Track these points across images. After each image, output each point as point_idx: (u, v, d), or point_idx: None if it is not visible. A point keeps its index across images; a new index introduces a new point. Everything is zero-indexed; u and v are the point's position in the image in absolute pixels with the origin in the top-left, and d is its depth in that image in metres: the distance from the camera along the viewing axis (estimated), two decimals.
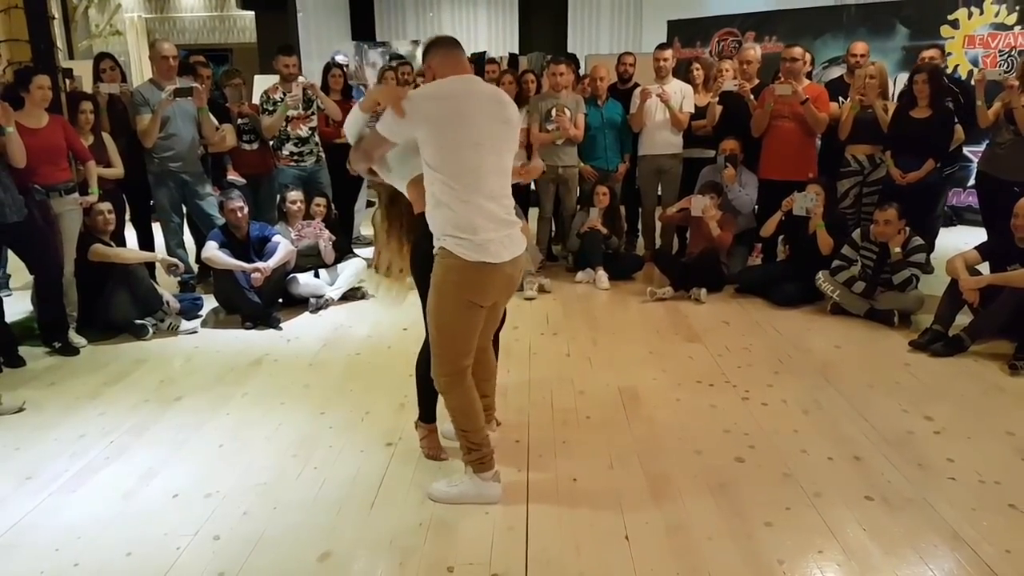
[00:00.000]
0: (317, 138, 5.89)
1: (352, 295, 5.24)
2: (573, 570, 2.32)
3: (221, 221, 4.98)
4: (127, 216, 5.25)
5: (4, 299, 4.37)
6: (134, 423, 3.36)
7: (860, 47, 5.66)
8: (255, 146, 5.72)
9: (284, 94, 5.66)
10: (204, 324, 4.79)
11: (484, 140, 2.42)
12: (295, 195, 5.28)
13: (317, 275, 5.21)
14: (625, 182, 6.14)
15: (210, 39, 12.41)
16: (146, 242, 5.47)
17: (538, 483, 2.80)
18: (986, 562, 2.32)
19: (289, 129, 5.73)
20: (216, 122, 5.28)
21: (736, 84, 5.52)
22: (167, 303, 4.66)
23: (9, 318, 4.27)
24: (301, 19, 10.32)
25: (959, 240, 5.96)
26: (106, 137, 4.89)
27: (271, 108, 5.68)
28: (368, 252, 6.12)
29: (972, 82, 5.29)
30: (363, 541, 2.47)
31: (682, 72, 6.12)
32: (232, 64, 11.02)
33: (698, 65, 6.07)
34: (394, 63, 7.88)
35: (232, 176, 5.58)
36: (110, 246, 4.57)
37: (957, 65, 7.39)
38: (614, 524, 2.54)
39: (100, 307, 4.48)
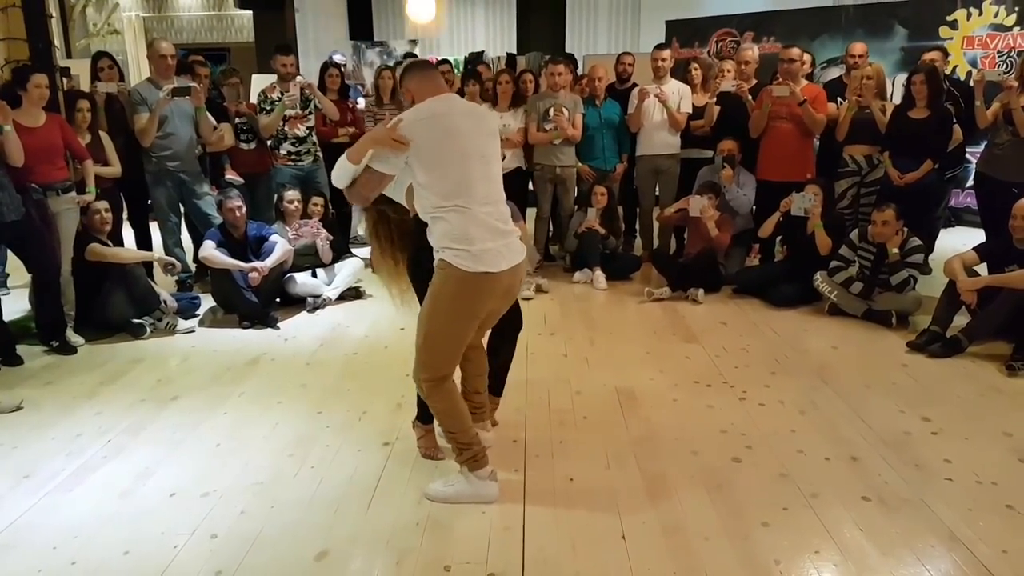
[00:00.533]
0: (315, 138, 5.89)
1: (349, 294, 5.24)
2: (569, 570, 2.32)
3: (219, 220, 4.97)
4: (124, 215, 5.26)
5: (2, 298, 4.37)
6: (131, 422, 3.36)
7: (859, 48, 5.67)
8: (253, 145, 5.72)
9: (282, 94, 5.66)
10: (201, 323, 4.78)
11: (470, 151, 2.48)
12: (292, 194, 5.28)
13: (314, 274, 5.21)
14: (623, 182, 6.13)
15: (208, 38, 12.40)
16: (144, 241, 5.47)
17: (535, 483, 2.81)
18: (983, 563, 2.33)
19: (287, 129, 5.72)
20: (214, 121, 5.28)
21: (734, 85, 5.52)
22: (164, 302, 4.66)
23: (7, 317, 4.26)
24: (299, 18, 10.31)
25: (957, 241, 5.97)
26: (103, 136, 4.88)
27: (269, 107, 5.68)
28: (365, 252, 6.12)
29: (971, 83, 5.30)
30: (360, 540, 2.47)
31: (680, 72, 6.12)
32: (230, 63, 11.00)
33: (696, 65, 6.07)
34: (391, 63, 7.90)
35: (230, 175, 5.58)
36: (107, 245, 4.56)
37: (956, 66, 7.39)
38: (611, 524, 2.54)
39: (97, 306, 4.48)
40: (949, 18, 7.42)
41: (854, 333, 4.52)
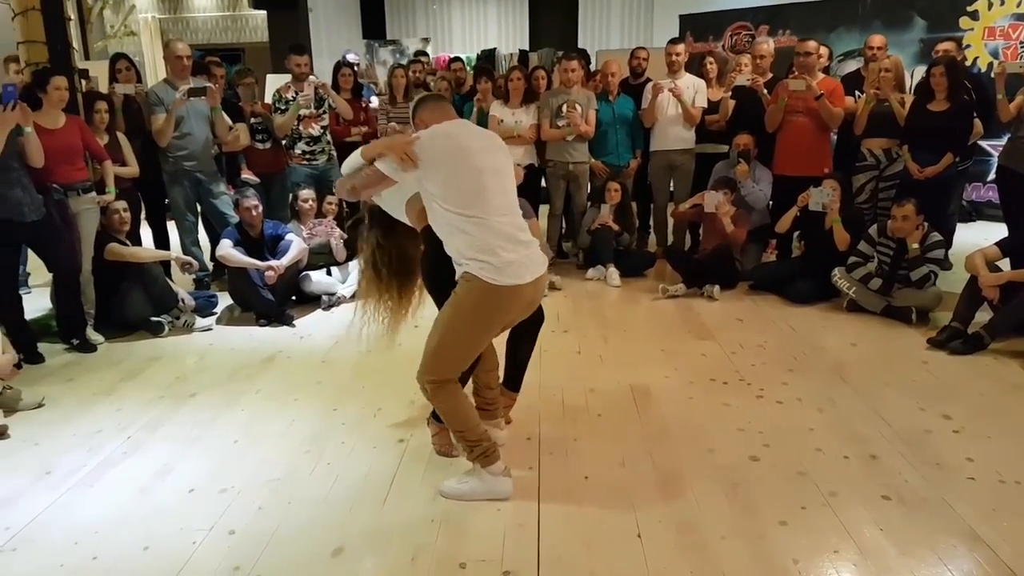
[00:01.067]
0: (329, 137, 5.91)
1: None
2: (584, 568, 2.31)
3: (235, 219, 5.01)
4: (142, 215, 5.30)
5: (23, 297, 4.42)
6: (150, 419, 3.39)
7: (878, 40, 5.60)
8: (268, 145, 5.75)
9: (296, 93, 5.69)
10: (219, 321, 4.82)
11: (483, 165, 2.53)
12: (307, 193, 5.31)
13: (329, 273, 5.23)
14: (637, 178, 6.11)
15: (223, 39, 12.47)
16: (161, 240, 5.52)
17: (549, 481, 2.80)
18: (1006, 563, 2.29)
19: (301, 128, 5.75)
20: (230, 121, 5.31)
21: (749, 79, 5.47)
22: (182, 301, 4.70)
23: (28, 315, 4.31)
24: (312, 18, 10.35)
25: (979, 236, 5.88)
26: (120, 136, 4.92)
27: (283, 107, 5.71)
28: None
29: (992, 75, 5.22)
30: (375, 537, 2.48)
31: (695, 66, 6.08)
32: (244, 63, 11.07)
33: (711, 59, 6.03)
34: (404, 61, 7.90)
35: (246, 175, 5.61)
36: (126, 245, 4.61)
37: (976, 58, 7.28)
38: (626, 522, 2.53)
39: (116, 305, 4.53)
40: (970, 8, 7.30)
41: (873, 330, 4.47)
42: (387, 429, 3.24)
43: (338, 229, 5.25)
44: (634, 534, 2.46)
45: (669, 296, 5.12)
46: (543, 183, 6.09)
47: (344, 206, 5.55)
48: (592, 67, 7.32)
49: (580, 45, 10.48)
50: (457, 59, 7.24)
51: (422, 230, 2.72)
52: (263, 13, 11.21)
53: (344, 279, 5.24)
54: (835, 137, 5.60)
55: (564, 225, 6.25)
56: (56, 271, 4.27)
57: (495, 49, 10.94)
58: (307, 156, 5.81)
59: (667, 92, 5.60)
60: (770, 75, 5.66)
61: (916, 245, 4.48)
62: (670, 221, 6.04)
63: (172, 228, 5.49)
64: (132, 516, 2.62)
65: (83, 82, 5.55)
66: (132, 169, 4.94)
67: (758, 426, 3.22)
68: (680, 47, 5.80)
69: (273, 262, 4.76)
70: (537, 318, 2.95)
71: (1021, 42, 7.12)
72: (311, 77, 5.83)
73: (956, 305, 4.23)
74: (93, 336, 4.38)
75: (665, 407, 3.43)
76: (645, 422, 3.28)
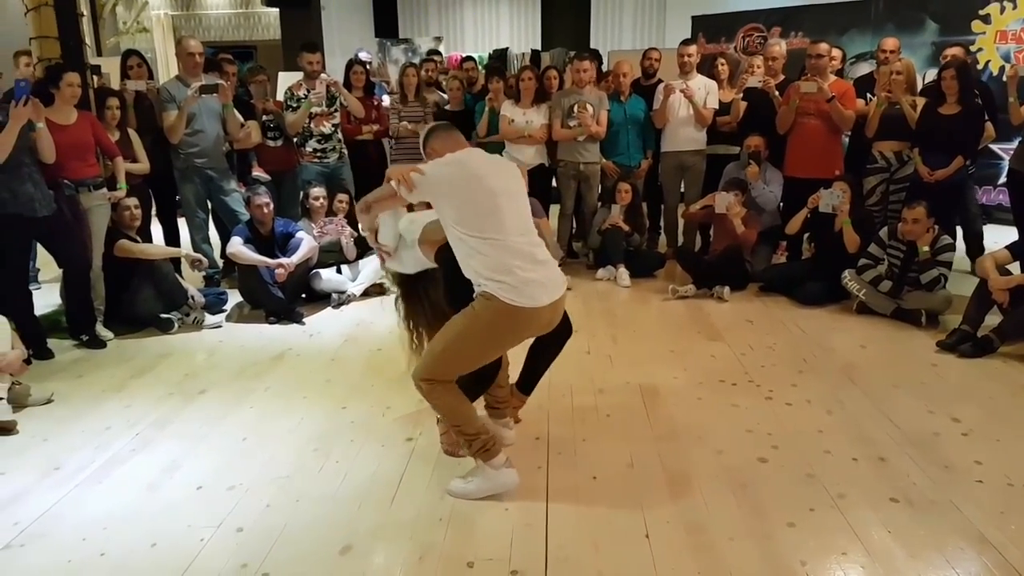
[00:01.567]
0: (340, 135, 5.92)
1: (373, 291, 5.27)
2: (592, 568, 2.31)
3: (246, 217, 5.03)
4: (153, 211, 5.33)
5: (33, 292, 4.45)
6: (159, 415, 3.41)
7: (891, 43, 5.57)
8: (279, 143, 5.77)
9: (308, 91, 5.70)
10: (228, 319, 4.84)
11: (496, 187, 2.56)
12: (318, 191, 5.32)
13: (339, 271, 5.25)
14: (648, 179, 6.10)
15: (235, 36, 12.50)
16: (172, 237, 5.55)
17: (558, 481, 2.80)
18: (1014, 566, 2.28)
19: (312, 126, 5.76)
20: (241, 119, 5.33)
21: (760, 80, 5.46)
22: (192, 298, 4.72)
23: (38, 311, 4.34)
24: (324, 16, 10.36)
25: (989, 239, 5.84)
26: (131, 133, 4.95)
27: (295, 105, 5.72)
28: None
29: (1004, 78, 5.19)
30: (383, 535, 2.49)
31: (707, 68, 6.06)
32: (256, 61, 11.11)
33: (723, 60, 6.02)
34: (416, 60, 7.91)
35: (257, 172, 5.63)
36: (136, 241, 4.63)
37: (988, 61, 7.24)
38: (634, 522, 2.52)
39: (126, 301, 4.55)
40: (982, 12, 7.26)
41: (883, 332, 4.45)
42: (396, 428, 3.24)
43: (349, 227, 5.26)
44: (642, 534, 2.46)
45: (679, 297, 5.11)
46: (554, 183, 6.09)
47: (354, 205, 5.55)
48: (604, 67, 7.30)
49: (592, 45, 10.47)
50: (469, 58, 7.25)
51: (435, 256, 2.76)
52: (275, 11, 11.23)
53: (354, 277, 5.25)
54: (847, 140, 5.57)
55: (575, 225, 6.25)
56: (67, 267, 4.29)
57: (507, 49, 10.94)
58: (318, 154, 5.82)
59: (679, 93, 5.59)
60: (782, 77, 5.64)
61: (926, 248, 4.45)
62: (680, 222, 6.03)
63: (183, 225, 5.51)
64: (140, 513, 2.63)
65: (95, 78, 5.58)
66: (143, 165, 4.96)
67: (767, 427, 3.21)
68: (692, 48, 5.79)
69: (283, 260, 4.77)
70: (565, 330, 2.93)
71: None
72: (323, 75, 5.84)
73: (966, 308, 4.20)
74: (103, 332, 4.40)
75: (674, 408, 3.43)
76: (654, 422, 3.28)
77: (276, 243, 4.91)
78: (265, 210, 4.85)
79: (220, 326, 4.68)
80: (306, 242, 4.92)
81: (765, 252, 5.57)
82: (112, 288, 4.53)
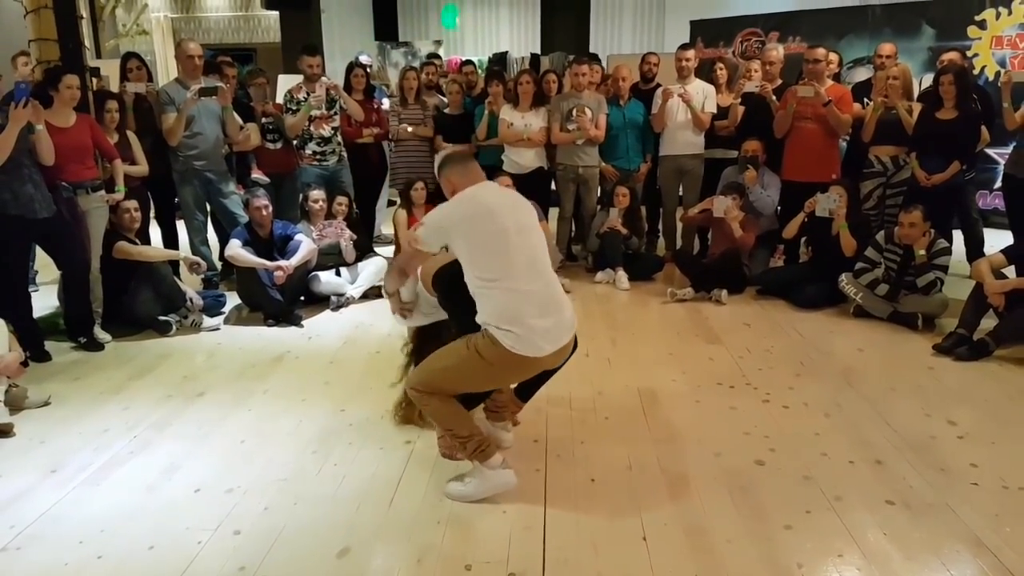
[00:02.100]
0: (339, 138, 5.93)
1: (372, 293, 5.27)
2: (590, 570, 2.32)
3: (245, 219, 5.03)
4: (152, 214, 5.33)
5: (31, 294, 4.45)
6: (157, 418, 3.41)
7: (887, 48, 5.59)
8: (279, 145, 5.77)
9: (308, 94, 5.71)
10: (227, 321, 4.84)
11: (508, 225, 2.57)
12: (317, 194, 5.32)
13: (338, 273, 5.25)
14: (647, 182, 6.12)
15: (235, 39, 12.52)
16: (171, 239, 5.55)
17: (556, 483, 2.81)
18: (1009, 569, 2.29)
19: (312, 129, 5.77)
20: (240, 121, 5.34)
21: (758, 86, 5.48)
22: (190, 300, 4.71)
23: (36, 313, 4.34)
24: (325, 19, 10.39)
25: (986, 243, 5.85)
26: (131, 135, 4.94)
27: (295, 108, 5.73)
28: (388, 251, 6.16)
29: (999, 84, 5.22)
30: (381, 537, 2.49)
31: (705, 72, 6.08)
32: (256, 64, 11.11)
33: (722, 65, 6.04)
34: (416, 63, 7.93)
35: (256, 175, 5.63)
36: (135, 243, 4.63)
37: (984, 67, 7.27)
38: (632, 525, 2.53)
39: (125, 303, 4.55)
40: (978, 18, 7.30)
41: (879, 335, 4.46)
42: (394, 430, 3.25)
43: (348, 230, 5.27)
44: (640, 537, 2.47)
45: (677, 300, 5.12)
46: (553, 186, 6.10)
47: (354, 208, 5.57)
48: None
49: (591, 50, 10.49)
50: (469, 62, 7.26)
51: (432, 283, 2.80)
52: (275, 13, 11.26)
53: (353, 280, 5.25)
54: (845, 144, 5.59)
55: (573, 228, 6.27)
56: (66, 269, 4.28)
57: (507, 53, 10.96)
58: (318, 157, 5.83)
59: (677, 97, 5.61)
60: (779, 81, 5.67)
61: (923, 252, 4.47)
62: (679, 225, 6.04)
63: (181, 227, 5.51)
64: (138, 515, 2.63)
65: (94, 81, 5.59)
66: (142, 168, 4.96)
67: (764, 430, 3.22)
68: (690, 53, 5.81)
69: (282, 262, 4.77)
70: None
71: None
72: (323, 78, 5.85)
73: (962, 312, 4.22)
74: (101, 335, 4.40)
75: (672, 410, 3.44)
76: (652, 425, 3.29)
77: (275, 245, 4.92)
78: (264, 212, 4.85)
79: (218, 328, 4.68)
80: (305, 244, 4.92)
81: (763, 256, 5.59)
82: (110, 290, 4.53)
